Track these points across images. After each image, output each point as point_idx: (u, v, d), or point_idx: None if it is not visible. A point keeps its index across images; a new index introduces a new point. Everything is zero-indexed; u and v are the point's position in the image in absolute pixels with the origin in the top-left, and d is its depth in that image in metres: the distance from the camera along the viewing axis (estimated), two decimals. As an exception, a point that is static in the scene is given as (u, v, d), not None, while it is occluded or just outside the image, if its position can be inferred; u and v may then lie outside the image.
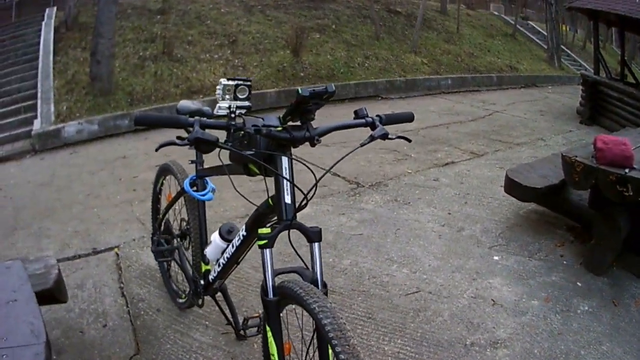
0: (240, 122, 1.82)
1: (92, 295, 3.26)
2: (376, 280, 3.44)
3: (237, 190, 1.95)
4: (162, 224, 3.12)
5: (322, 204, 4.73)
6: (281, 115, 1.83)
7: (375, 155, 6.30)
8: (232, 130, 1.80)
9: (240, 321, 2.63)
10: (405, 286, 3.37)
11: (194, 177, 2.52)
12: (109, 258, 3.77)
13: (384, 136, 1.87)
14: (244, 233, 2.11)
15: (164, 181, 3.14)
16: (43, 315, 1.80)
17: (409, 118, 2.08)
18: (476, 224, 4.33)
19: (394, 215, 4.48)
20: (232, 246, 2.21)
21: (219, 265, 2.36)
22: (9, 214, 4.74)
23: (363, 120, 1.92)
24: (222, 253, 2.32)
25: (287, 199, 1.82)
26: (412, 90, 11.74)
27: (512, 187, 4.19)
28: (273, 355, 1.85)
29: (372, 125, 1.91)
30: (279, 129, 1.79)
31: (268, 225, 1.90)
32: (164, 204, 3.15)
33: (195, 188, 2.50)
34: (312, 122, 1.82)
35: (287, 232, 1.82)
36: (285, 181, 1.81)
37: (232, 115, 1.81)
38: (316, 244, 1.84)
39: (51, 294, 2.34)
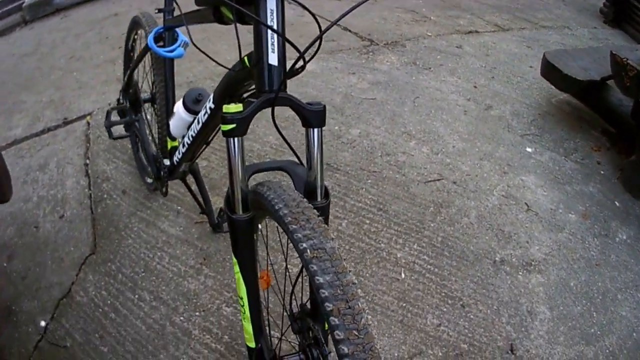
0: None
1: (53, 178, 2.56)
2: (390, 158, 2.58)
3: (195, 46, 1.34)
4: (129, 87, 2.37)
5: (330, 60, 3.73)
6: None
7: (391, 13, 5.17)
8: None
9: (216, 213, 2.01)
10: (425, 170, 2.52)
11: (161, 29, 1.82)
12: (78, 129, 2.94)
13: None
14: (212, 105, 1.43)
15: (135, 37, 2.44)
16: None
17: None
18: (505, 104, 3.43)
19: (413, 80, 3.52)
20: (198, 122, 1.56)
21: (184, 146, 1.70)
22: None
23: None
24: (188, 129, 1.67)
25: (272, 59, 1.08)
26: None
27: (550, 72, 3.36)
28: (242, 298, 1.25)
29: None
30: None
31: (246, 95, 1.24)
32: None
33: (162, 43, 1.83)
34: None
35: (270, 110, 1.10)
36: (268, 32, 1.06)
37: None
38: (315, 131, 1.11)
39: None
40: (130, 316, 1.87)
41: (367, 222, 2.14)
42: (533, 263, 2.12)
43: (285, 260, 1.26)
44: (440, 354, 1.71)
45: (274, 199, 1.00)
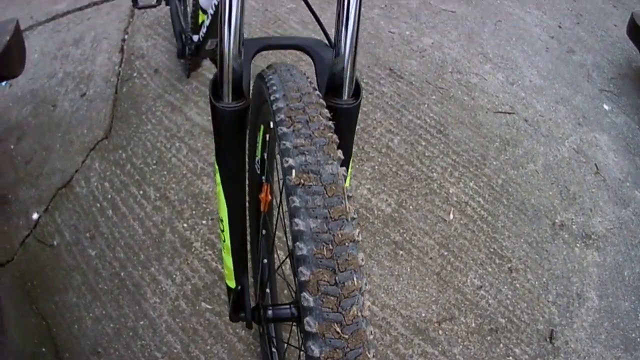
0: None
1: (85, 53, 1.96)
2: (461, 77, 1.91)
3: None
4: None
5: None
6: None
7: None
8: None
9: None
10: (496, 99, 1.86)
11: None
12: (125, 3, 2.22)
13: None
14: None
15: None
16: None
17: None
18: (588, 52, 2.66)
19: (497, 3, 2.72)
20: None
21: (208, 17, 1.17)
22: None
23: None
24: None
25: None
26: None
27: (636, 33, 2.59)
28: (222, 221, 0.73)
29: None
30: None
31: None
32: None
33: None
34: None
35: None
36: None
37: None
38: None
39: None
40: (129, 216, 1.37)
41: (423, 143, 1.54)
42: (592, 237, 1.53)
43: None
44: (473, 324, 1.18)
45: (274, 85, 0.58)
